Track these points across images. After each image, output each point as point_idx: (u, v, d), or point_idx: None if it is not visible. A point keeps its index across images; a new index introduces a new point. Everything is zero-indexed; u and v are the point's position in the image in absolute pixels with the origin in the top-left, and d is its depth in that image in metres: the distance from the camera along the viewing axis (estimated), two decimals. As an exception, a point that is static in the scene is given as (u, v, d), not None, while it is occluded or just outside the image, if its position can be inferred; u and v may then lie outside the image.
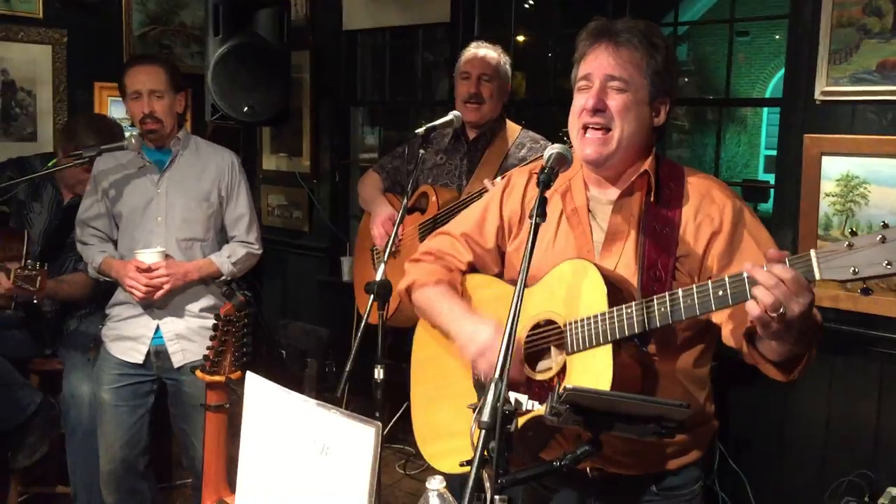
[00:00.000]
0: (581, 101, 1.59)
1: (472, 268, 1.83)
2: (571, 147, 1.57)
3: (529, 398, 1.31)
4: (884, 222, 1.20)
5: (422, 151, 2.48)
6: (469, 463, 1.16)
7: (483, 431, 1.16)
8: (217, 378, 1.74)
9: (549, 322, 1.56)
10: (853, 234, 1.21)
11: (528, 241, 1.33)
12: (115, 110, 4.31)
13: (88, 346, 3.14)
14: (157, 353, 2.73)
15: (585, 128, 1.59)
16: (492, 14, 4.08)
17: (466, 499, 1.12)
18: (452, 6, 4.01)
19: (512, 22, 4.05)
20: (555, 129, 3.40)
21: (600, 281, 1.47)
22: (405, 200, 2.31)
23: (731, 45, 3.85)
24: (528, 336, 1.60)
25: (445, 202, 2.89)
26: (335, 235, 4.65)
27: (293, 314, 4.81)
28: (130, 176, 2.77)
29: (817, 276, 1.23)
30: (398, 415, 3.40)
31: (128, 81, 2.72)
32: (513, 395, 1.23)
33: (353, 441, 1.16)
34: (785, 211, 3.04)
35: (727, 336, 1.52)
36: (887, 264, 1.17)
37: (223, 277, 2.80)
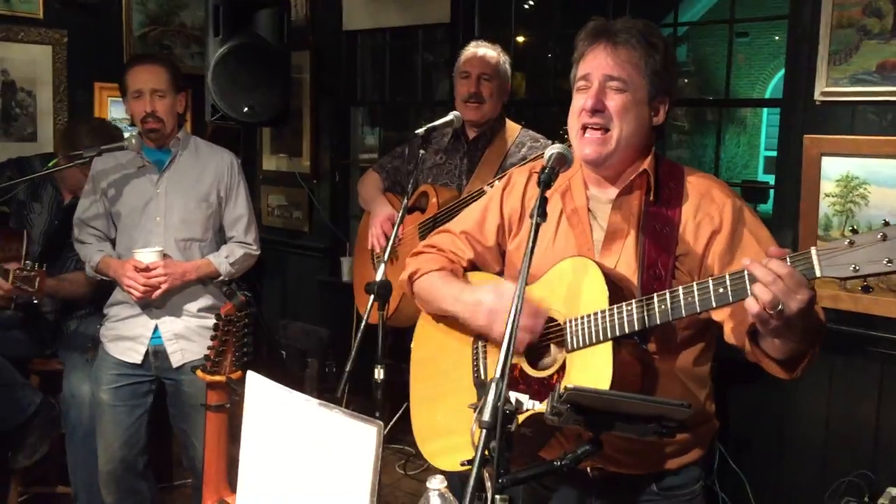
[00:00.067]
0: (580, 101, 1.60)
1: (473, 266, 1.83)
2: (571, 147, 1.57)
3: (530, 397, 1.31)
4: (885, 220, 1.20)
5: (422, 152, 2.48)
6: (470, 462, 1.16)
7: (484, 431, 1.17)
8: (218, 378, 1.74)
9: (550, 319, 1.57)
10: (854, 231, 1.21)
11: (528, 240, 1.33)
12: (116, 111, 4.31)
13: (87, 347, 3.14)
14: (156, 353, 2.73)
15: (584, 128, 1.59)
16: (492, 14, 4.08)
17: (467, 498, 1.12)
18: (452, 7, 4.01)
19: (512, 22, 4.05)
20: (555, 130, 3.40)
21: (601, 278, 1.47)
22: (405, 200, 2.31)
23: (730, 45, 3.85)
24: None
25: (445, 202, 2.89)
26: (335, 236, 4.65)
27: (293, 314, 4.81)
28: (130, 176, 2.77)
29: (818, 274, 1.23)
30: (398, 415, 3.40)
31: (129, 80, 2.72)
32: (513, 395, 1.23)
33: (354, 441, 1.16)
34: (785, 212, 3.04)
35: (729, 334, 1.52)
36: (888, 262, 1.17)
37: (221, 278, 2.80)
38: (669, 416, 1.26)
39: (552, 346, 1.58)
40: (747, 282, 1.29)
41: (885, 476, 2.76)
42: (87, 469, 2.95)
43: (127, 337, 2.74)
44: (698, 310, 1.37)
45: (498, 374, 1.20)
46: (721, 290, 1.33)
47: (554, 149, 1.46)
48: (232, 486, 1.67)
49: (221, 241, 2.89)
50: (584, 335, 1.47)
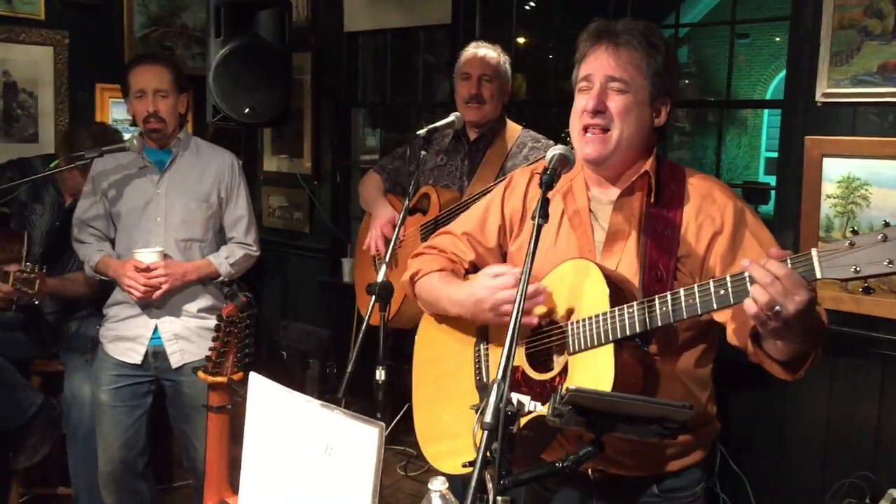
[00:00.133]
0: (581, 102, 1.60)
1: (475, 267, 1.83)
2: (573, 148, 1.57)
3: (532, 399, 1.31)
4: (885, 221, 1.20)
5: (423, 153, 2.48)
6: (471, 464, 1.16)
7: (486, 432, 1.17)
8: (219, 379, 1.74)
9: (551, 322, 1.56)
10: (854, 233, 1.21)
11: (530, 242, 1.33)
12: (117, 112, 4.31)
13: (87, 348, 3.14)
14: (156, 354, 2.73)
15: (586, 128, 1.59)
16: (492, 15, 4.08)
17: (469, 499, 1.12)
18: (453, 8, 4.02)
19: (513, 23, 4.05)
20: (556, 130, 3.40)
21: (602, 280, 1.47)
22: (407, 201, 2.31)
23: (731, 46, 3.85)
24: (529, 336, 1.60)
25: (447, 203, 2.89)
26: (336, 237, 4.65)
27: (294, 315, 4.81)
28: (130, 176, 2.77)
29: (818, 275, 1.23)
30: (399, 416, 3.40)
31: (132, 80, 2.72)
32: (515, 396, 1.23)
33: (356, 442, 1.16)
34: (786, 213, 3.04)
35: (731, 335, 1.52)
36: (888, 263, 1.17)
37: (220, 278, 2.81)
38: (671, 417, 1.26)
39: (554, 349, 1.58)
40: (748, 283, 1.28)
41: (885, 477, 2.76)
42: (88, 470, 2.95)
43: (126, 337, 2.74)
44: (699, 311, 1.37)
45: (499, 376, 1.20)
46: (722, 291, 1.33)
47: (556, 150, 1.46)
48: (233, 486, 1.67)
49: (221, 242, 2.90)
50: (585, 337, 1.47)
